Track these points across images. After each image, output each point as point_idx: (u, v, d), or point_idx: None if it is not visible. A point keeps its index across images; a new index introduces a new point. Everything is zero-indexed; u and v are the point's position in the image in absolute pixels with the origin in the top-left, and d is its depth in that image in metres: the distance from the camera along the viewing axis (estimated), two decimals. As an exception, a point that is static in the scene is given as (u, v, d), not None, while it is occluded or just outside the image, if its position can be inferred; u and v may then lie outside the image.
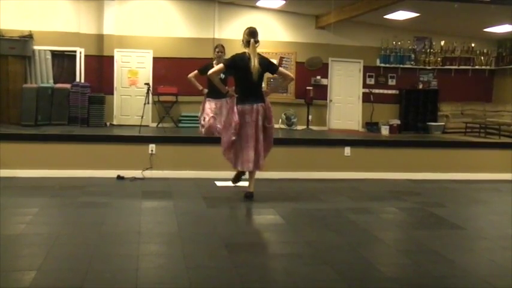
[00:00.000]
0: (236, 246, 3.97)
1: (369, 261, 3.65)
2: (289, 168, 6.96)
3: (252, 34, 5.33)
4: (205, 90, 7.30)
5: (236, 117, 5.31)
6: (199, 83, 7.30)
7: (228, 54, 6.75)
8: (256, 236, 4.46)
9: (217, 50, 7.27)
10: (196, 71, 7.22)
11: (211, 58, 7.60)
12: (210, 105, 7.24)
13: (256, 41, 5.33)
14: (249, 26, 5.50)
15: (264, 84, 5.98)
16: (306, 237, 4.23)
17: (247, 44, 5.33)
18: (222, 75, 6.77)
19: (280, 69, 5.65)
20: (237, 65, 5.35)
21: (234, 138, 5.35)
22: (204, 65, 7.26)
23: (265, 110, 5.40)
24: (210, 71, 5.50)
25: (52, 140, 6.92)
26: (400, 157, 7.41)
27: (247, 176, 5.68)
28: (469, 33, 13.42)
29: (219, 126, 7.11)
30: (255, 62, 5.24)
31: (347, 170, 7.13)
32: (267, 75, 5.90)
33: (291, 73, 5.56)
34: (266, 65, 5.40)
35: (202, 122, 7.33)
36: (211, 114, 7.16)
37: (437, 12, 11.37)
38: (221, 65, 5.43)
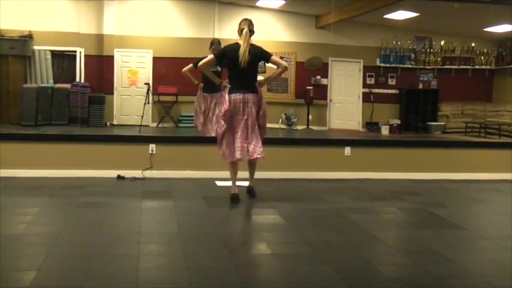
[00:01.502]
0: (236, 246, 3.97)
1: (369, 261, 3.65)
2: (289, 168, 6.96)
3: (246, 24, 5.28)
4: (201, 85, 7.35)
5: (226, 105, 5.25)
6: (195, 77, 7.38)
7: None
8: (256, 236, 4.45)
9: (213, 47, 7.27)
10: (190, 65, 7.21)
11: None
12: (205, 102, 7.31)
13: (251, 31, 5.26)
14: (244, 18, 5.43)
15: (260, 77, 5.85)
16: (306, 237, 4.23)
17: (240, 33, 5.27)
18: (219, 68, 6.75)
19: (273, 57, 5.41)
20: (228, 55, 5.28)
21: (224, 126, 5.28)
22: (198, 59, 7.28)
23: (257, 101, 5.31)
24: (201, 63, 5.45)
25: (52, 140, 6.92)
26: (400, 157, 7.40)
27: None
28: (469, 33, 13.42)
29: (210, 126, 7.17)
30: (245, 50, 5.14)
31: (347, 170, 7.13)
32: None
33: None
34: (258, 53, 5.29)
35: (197, 121, 7.46)
36: (205, 114, 7.26)
37: (437, 12, 11.37)
38: (211, 56, 5.36)
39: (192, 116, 12.12)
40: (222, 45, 7.35)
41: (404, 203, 5.72)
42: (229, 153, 5.36)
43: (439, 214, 5.19)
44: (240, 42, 5.25)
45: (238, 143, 5.27)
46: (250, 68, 5.24)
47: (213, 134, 7.01)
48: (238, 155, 5.28)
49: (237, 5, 12.66)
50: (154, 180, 6.45)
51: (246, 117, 5.24)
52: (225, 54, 5.33)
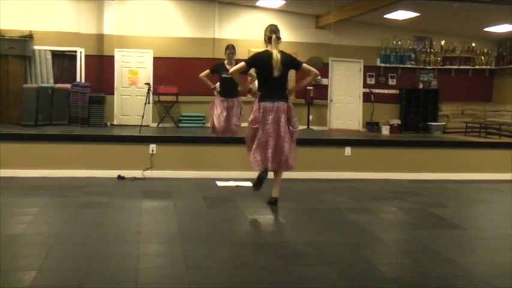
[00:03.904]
0: (236, 246, 3.97)
1: (369, 261, 3.65)
2: (289, 168, 6.95)
3: (273, 31, 5.19)
4: (218, 89, 7.41)
5: (255, 113, 5.18)
6: (210, 81, 7.50)
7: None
8: (257, 236, 4.45)
9: (228, 51, 7.39)
10: (207, 71, 7.49)
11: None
12: (221, 105, 7.32)
13: (278, 38, 5.18)
14: (270, 24, 5.36)
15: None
16: (306, 237, 4.23)
17: (268, 40, 5.17)
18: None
19: (304, 65, 5.34)
20: (259, 63, 5.20)
21: (253, 134, 5.21)
22: (214, 65, 7.59)
23: (288, 110, 5.25)
24: (232, 70, 5.35)
25: (52, 140, 6.92)
26: (400, 157, 7.40)
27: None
28: (469, 33, 13.42)
29: (236, 124, 7.22)
30: (277, 58, 5.06)
31: (347, 170, 7.12)
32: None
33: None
34: (289, 61, 5.21)
35: (216, 123, 7.44)
36: (223, 116, 7.27)
37: (437, 12, 11.37)
38: (242, 64, 5.22)
39: (192, 116, 12.23)
40: (234, 47, 7.44)
41: (404, 203, 5.71)
42: (261, 162, 5.24)
43: (439, 214, 5.19)
44: (270, 49, 5.14)
45: (269, 153, 5.17)
46: (281, 76, 5.16)
47: (228, 134, 7.08)
48: (270, 166, 5.21)
49: (237, 5, 12.66)
50: (154, 180, 6.45)
51: (276, 126, 5.15)
52: (256, 62, 5.23)
